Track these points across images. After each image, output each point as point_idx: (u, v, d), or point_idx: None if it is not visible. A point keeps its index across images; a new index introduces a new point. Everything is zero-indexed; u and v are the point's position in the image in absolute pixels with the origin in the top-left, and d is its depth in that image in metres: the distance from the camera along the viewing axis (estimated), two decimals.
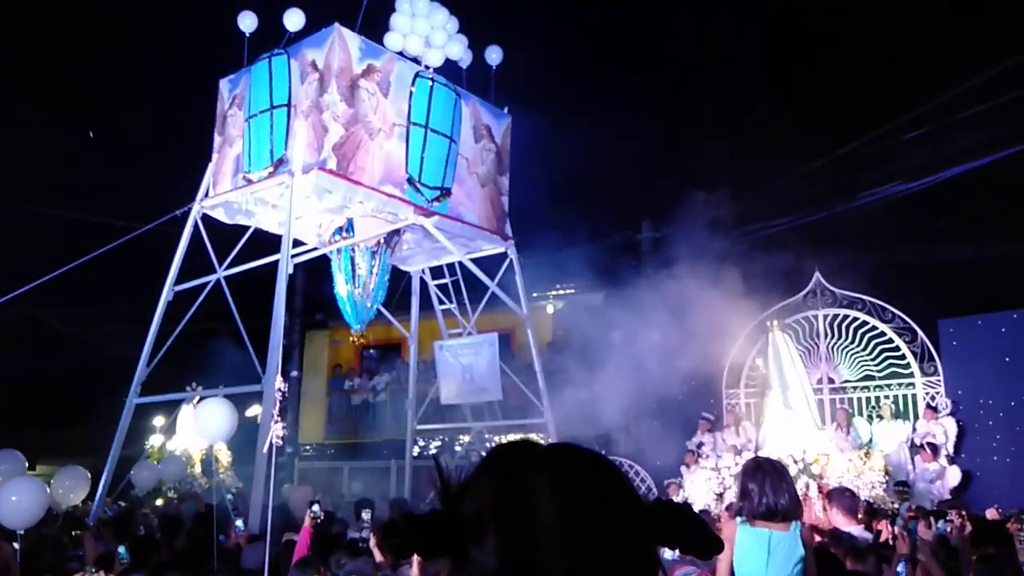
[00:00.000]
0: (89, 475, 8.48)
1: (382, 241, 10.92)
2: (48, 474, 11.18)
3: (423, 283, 12.91)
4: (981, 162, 11.64)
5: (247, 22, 10.43)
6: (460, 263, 11.81)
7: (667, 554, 5.28)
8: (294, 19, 10.16)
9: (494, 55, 11.54)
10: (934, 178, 12.04)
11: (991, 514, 7.69)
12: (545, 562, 0.83)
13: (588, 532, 0.86)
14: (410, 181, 10.06)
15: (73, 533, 7.32)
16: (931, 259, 10.56)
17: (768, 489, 3.82)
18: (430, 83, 10.34)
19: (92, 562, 5.49)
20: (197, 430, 7.54)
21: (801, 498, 4.70)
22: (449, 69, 10.89)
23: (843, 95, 15.27)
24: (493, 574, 0.84)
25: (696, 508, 8.67)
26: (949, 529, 4.62)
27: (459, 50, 10.88)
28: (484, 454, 0.96)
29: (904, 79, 14.35)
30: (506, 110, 11.71)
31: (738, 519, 3.89)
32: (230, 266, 10.46)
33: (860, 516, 6.78)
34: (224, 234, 10.94)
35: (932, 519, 5.05)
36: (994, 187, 11.57)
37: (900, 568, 4.60)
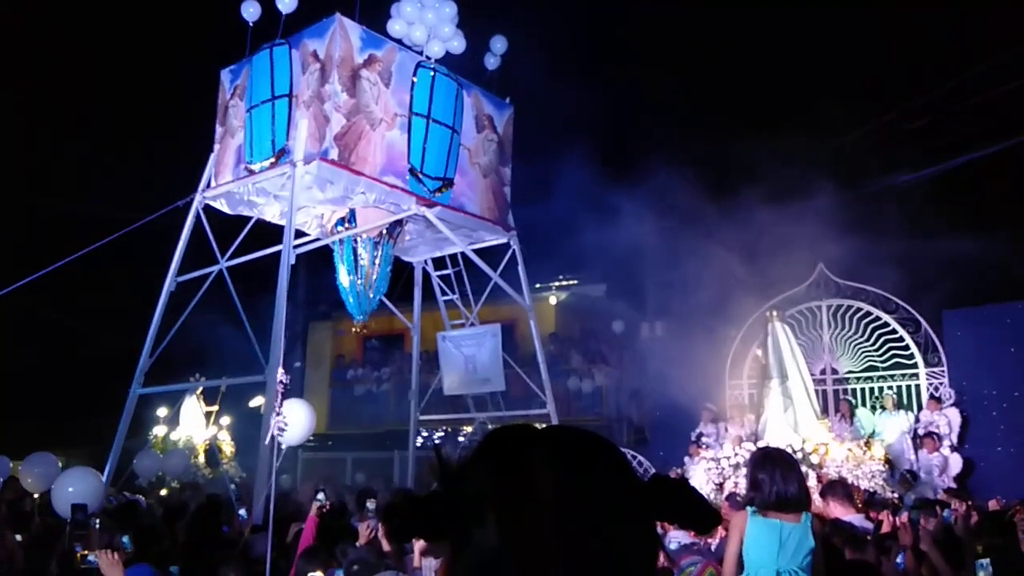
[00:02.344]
0: (60, 463, 8.41)
1: (384, 232, 10.90)
2: None
3: (425, 274, 12.90)
4: (988, 151, 11.59)
5: (251, 11, 10.40)
6: (462, 254, 11.79)
7: (672, 545, 5.27)
8: (287, 0, 10.16)
9: (499, 44, 11.49)
10: (940, 167, 11.99)
11: (993, 505, 7.70)
12: (546, 540, 0.84)
13: (588, 509, 0.86)
14: (412, 171, 10.03)
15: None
16: (935, 249, 10.52)
17: (779, 479, 3.81)
18: (432, 73, 10.30)
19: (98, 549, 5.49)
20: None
21: None
22: (449, 59, 10.85)
23: (848, 83, 15.20)
24: (495, 553, 0.85)
25: None
26: (954, 519, 4.61)
27: (462, 44, 10.84)
28: (483, 438, 0.96)
29: (910, 67, 14.27)
30: (508, 100, 11.67)
31: (749, 510, 3.87)
32: (232, 257, 10.45)
33: (859, 505, 6.79)
34: (226, 225, 10.93)
35: (938, 508, 5.04)
36: (1000, 176, 11.53)
37: (899, 559, 4.59)
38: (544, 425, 0.97)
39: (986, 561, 3.71)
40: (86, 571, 4.37)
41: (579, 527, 0.85)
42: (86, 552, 4.50)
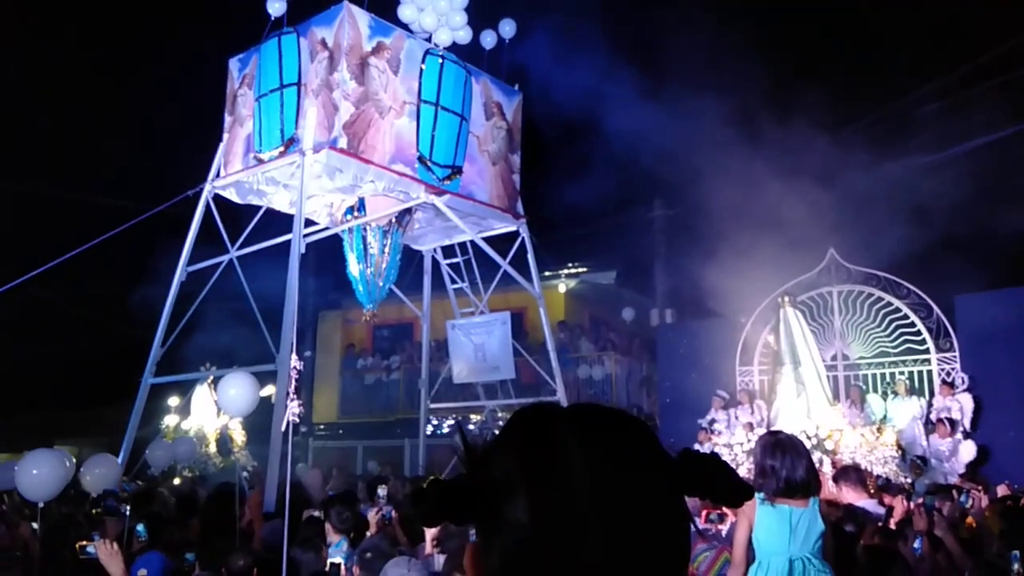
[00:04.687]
0: (118, 461, 8.47)
1: (393, 220, 10.90)
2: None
3: (435, 262, 12.90)
4: (999, 135, 11.49)
5: (276, 6, 10.35)
6: (472, 242, 11.77)
7: None
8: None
9: (507, 28, 11.41)
10: (951, 151, 11.89)
11: (1003, 490, 7.66)
12: (579, 516, 0.83)
13: (619, 484, 0.86)
14: (421, 159, 10.01)
15: (94, 512, 7.37)
16: (947, 234, 10.45)
17: (788, 465, 3.80)
18: (440, 60, 10.26)
19: (112, 540, 5.52)
20: (221, 404, 7.57)
21: None
22: (459, 45, 10.78)
23: (858, 67, 15.08)
24: (527, 533, 0.84)
25: None
26: (971, 503, 4.60)
27: (470, 35, 10.76)
28: (506, 419, 0.96)
29: (922, 50, 14.15)
30: (517, 87, 11.62)
31: (758, 497, 3.86)
32: (242, 246, 10.47)
33: (872, 490, 6.78)
34: (236, 214, 10.94)
35: (954, 493, 5.02)
36: (1012, 160, 11.43)
37: (916, 544, 4.58)
38: (567, 403, 0.97)
39: (1017, 552, 3.70)
40: (85, 562, 4.38)
41: (611, 502, 0.84)
42: (85, 543, 4.52)
